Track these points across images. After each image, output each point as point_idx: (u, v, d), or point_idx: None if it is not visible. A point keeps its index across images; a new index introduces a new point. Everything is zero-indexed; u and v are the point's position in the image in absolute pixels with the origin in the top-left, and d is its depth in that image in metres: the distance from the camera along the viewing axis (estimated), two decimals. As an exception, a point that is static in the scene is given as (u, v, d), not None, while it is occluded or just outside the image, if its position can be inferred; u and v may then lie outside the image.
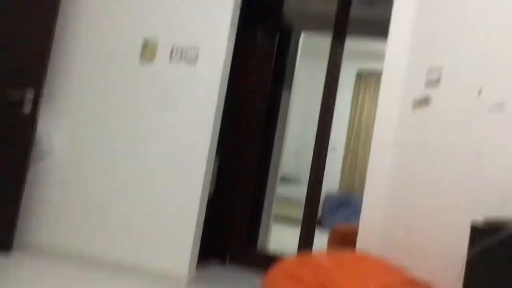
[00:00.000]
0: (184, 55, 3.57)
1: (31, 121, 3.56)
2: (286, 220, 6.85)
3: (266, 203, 5.17)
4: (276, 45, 4.68)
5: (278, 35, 4.71)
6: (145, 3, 3.68)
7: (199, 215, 3.51)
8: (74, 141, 3.73)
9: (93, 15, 3.77)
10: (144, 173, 3.59)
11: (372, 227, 3.21)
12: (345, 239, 3.99)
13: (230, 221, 4.43)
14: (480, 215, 2.36)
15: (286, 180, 8.05)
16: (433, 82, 2.99)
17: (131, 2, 3.71)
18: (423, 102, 3.02)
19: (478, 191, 2.62)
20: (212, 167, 3.63)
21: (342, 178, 8.35)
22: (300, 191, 5.37)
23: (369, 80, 8.40)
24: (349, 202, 7.50)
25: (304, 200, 4.39)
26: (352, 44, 6.52)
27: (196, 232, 3.50)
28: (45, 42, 3.58)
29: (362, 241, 3.21)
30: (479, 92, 2.73)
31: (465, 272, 2.26)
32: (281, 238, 5.30)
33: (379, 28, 3.57)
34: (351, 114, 8.52)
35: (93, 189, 3.66)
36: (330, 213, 7.43)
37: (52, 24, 3.59)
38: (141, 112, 3.63)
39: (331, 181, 7.97)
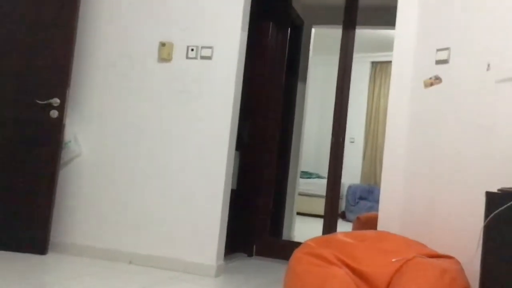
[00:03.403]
0: (199, 53, 3.70)
1: (58, 126, 3.73)
2: (311, 215, 6.92)
3: (288, 197, 5.26)
4: (288, 39, 4.78)
5: (289, 29, 4.82)
6: (159, 8, 3.82)
7: (223, 208, 3.61)
8: (100, 142, 3.87)
9: (109, 21, 3.92)
10: (168, 169, 3.70)
11: (392, 209, 3.26)
12: (367, 226, 4.05)
13: (255, 216, 4.52)
14: (497, 187, 2.42)
15: (308, 175, 8.12)
16: (443, 62, 3.06)
17: (145, 7, 3.85)
18: (434, 80, 3.09)
19: (493, 163, 2.68)
20: (233, 159, 3.73)
21: (363, 170, 8.37)
22: (323, 186, 5.45)
23: (384, 71, 8.43)
24: (371, 194, 7.50)
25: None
26: (364, 36, 6.60)
27: (221, 224, 3.60)
28: (66, 55, 3.76)
29: (383, 224, 3.27)
30: (488, 68, 2.79)
31: (483, 237, 2.32)
32: (306, 231, 5.37)
33: (389, 16, 3.64)
34: (368, 106, 8.54)
35: (120, 188, 3.79)
36: (353, 206, 7.44)
37: (71, 37, 3.76)
38: (161, 110, 3.76)
39: (353, 174, 8.01)
